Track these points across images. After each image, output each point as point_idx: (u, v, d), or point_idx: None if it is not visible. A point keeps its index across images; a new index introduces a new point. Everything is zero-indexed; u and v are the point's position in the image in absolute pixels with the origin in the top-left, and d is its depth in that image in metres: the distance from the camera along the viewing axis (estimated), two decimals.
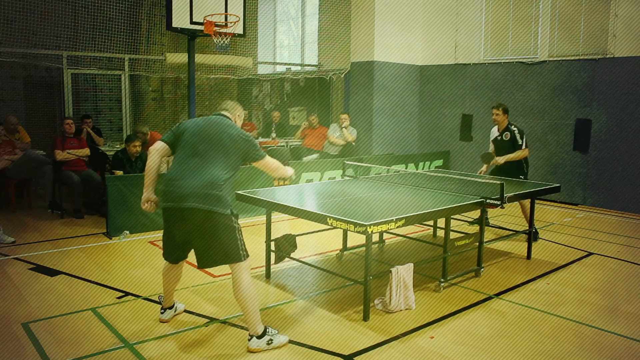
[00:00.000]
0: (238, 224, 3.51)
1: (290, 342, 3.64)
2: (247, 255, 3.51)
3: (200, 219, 3.37)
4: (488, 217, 6.87)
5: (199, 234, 3.43)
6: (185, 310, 4.11)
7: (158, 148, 3.64)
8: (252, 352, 3.47)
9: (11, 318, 3.94)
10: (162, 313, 3.96)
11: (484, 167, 6.82)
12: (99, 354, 3.41)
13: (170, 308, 3.98)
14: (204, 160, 3.46)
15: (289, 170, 4.04)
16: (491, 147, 6.83)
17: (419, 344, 3.68)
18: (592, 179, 8.69)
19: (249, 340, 3.51)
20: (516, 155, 6.41)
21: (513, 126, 6.52)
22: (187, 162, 3.49)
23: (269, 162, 3.81)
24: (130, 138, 7.19)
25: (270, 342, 3.51)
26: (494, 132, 6.74)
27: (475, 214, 6.80)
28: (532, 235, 5.88)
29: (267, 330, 3.55)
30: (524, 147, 6.43)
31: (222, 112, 3.76)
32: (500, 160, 6.41)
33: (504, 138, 6.54)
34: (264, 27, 13.45)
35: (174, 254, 3.68)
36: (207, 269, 4.87)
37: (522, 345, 3.69)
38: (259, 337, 3.49)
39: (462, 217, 7.00)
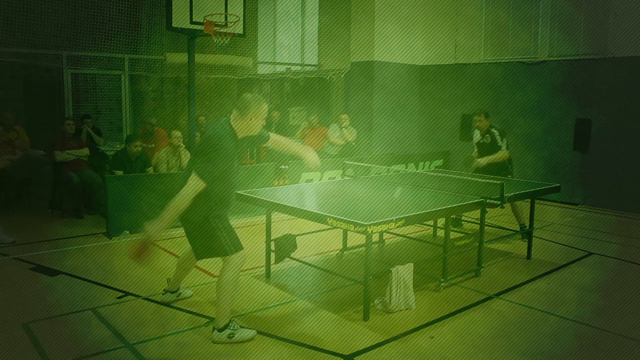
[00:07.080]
0: (219, 223, 3.54)
1: (291, 342, 3.64)
2: (236, 250, 3.55)
3: (183, 222, 3.60)
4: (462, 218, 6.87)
5: (186, 232, 3.67)
6: (185, 311, 4.12)
7: None
8: (215, 342, 3.57)
9: (11, 318, 3.94)
10: (163, 294, 4.20)
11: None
12: (99, 354, 3.41)
13: (173, 292, 4.21)
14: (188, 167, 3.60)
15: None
16: (475, 150, 6.85)
17: (419, 344, 3.68)
18: (592, 179, 8.69)
19: (212, 332, 3.62)
20: (496, 156, 6.37)
21: (494, 128, 6.50)
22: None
23: (190, 186, 3.30)
24: (130, 138, 7.19)
25: (231, 335, 3.58)
26: (477, 135, 6.76)
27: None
28: (531, 235, 5.88)
29: (230, 324, 3.60)
30: (503, 148, 6.39)
31: (231, 113, 3.63)
32: (482, 162, 6.41)
33: (485, 141, 6.55)
34: (264, 27, 13.43)
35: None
36: (207, 270, 5.02)
37: (522, 345, 3.70)
38: (220, 330, 3.58)
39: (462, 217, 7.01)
